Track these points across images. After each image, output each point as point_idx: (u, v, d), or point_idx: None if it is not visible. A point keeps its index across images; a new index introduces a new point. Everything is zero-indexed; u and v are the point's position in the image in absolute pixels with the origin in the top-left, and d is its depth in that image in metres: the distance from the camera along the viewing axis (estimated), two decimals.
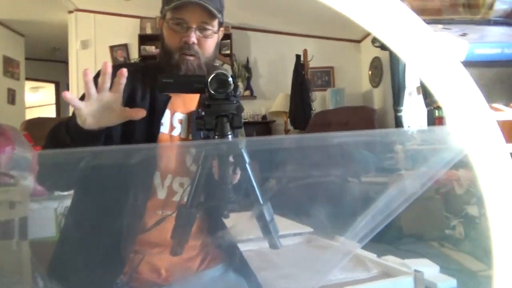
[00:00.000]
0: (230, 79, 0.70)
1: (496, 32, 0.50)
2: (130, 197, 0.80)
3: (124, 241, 0.79)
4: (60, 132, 0.75)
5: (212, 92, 0.70)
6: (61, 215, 1.43)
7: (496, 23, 0.54)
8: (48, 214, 1.47)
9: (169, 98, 0.87)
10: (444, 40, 0.46)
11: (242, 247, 1.66)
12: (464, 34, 0.48)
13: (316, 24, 4.61)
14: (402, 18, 0.40)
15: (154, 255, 0.81)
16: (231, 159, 0.70)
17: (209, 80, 0.70)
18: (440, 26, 0.52)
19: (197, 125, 0.70)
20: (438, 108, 3.16)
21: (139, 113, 0.75)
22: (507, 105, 0.49)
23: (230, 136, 0.69)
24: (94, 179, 0.75)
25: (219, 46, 0.95)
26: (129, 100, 0.83)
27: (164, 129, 0.87)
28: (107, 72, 0.71)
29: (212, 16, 0.84)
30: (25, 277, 1.48)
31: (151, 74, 0.87)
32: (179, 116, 0.89)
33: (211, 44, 0.88)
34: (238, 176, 0.73)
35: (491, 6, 0.52)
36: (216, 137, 0.69)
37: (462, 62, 0.42)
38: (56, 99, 6.88)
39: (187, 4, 0.83)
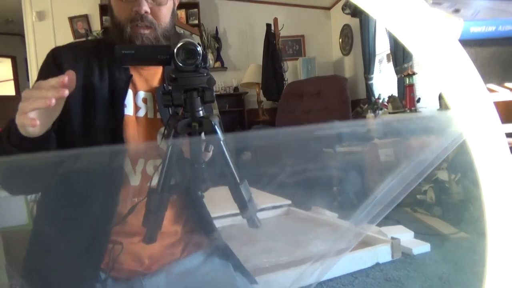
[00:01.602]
0: (199, 48, 0.65)
1: (489, 6, 0.48)
2: (101, 188, 0.75)
3: (100, 233, 0.75)
4: (3, 146, 0.66)
5: (180, 64, 0.63)
6: (32, 202, 1.37)
7: None
8: (18, 202, 1.40)
9: (130, 76, 0.79)
10: (439, 18, 0.43)
11: (223, 222, 1.66)
12: (457, 10, 0.46)
13: None
14: None
15: (135, 244, 0.78)
16: (203, 136, 0.65)
17: (175, 50, 0.64)
18: (430, 0, 0.50)
19: (164, 101, 0.64)
20: (409, 75, 3.20)
21: (70, 76, 0.65)
22: (500, 85, 0.48)
23: (201, 112, 0.64)
24: (61, 177, 0.70)
25: (176, 15, 0.86)
26: (86, 83, 0.75)
27: (128, 110, 0.79)
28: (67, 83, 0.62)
29: None
30: None
31: (107, 52, 0.79)
32: (142, 95, 0.82)
33: (166, 12, 0.80)
34: (210, 154, 0.70)
35: None
36: (186, 113, 0.64)
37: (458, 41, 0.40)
38: (13, 75, 6.47)
39: None
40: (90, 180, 0.74)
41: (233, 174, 0.65)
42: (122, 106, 0.78)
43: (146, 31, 0.77)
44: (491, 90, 0.48)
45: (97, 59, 0.78)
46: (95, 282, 0.74)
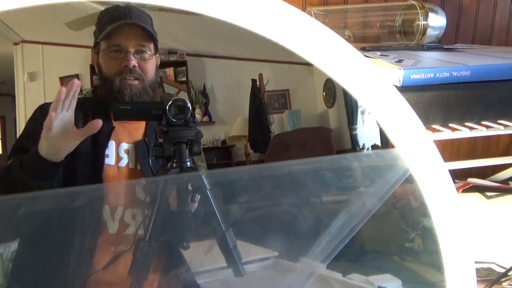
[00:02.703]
0: (189, 105, 0.71)
1: (430, 57, 0.53)
2: (78, 237, 0.76)
3: (77, 284, 0.74)
4: (14, 175, 0.70)
5: (171, 118, 0.69)
6: (7, 261, 1.33)
7: (429, 48, 0.57)
8: None
9: (112, 128, 0.86)
10: (380, 68, 0.48)
11: (205, 278, 1.62)
12: (400, 61, 0.51)
13: (269, 48, 4.72)
14: (340, 49, 0.42)
15: None
16: (190, 187, 0.69)
17: (167, 106, 0.70)
18: (379, 53, 0.55)
19: (155, 153, 0.69)
20: None
21: (96, 124, 0.74)
22: (443, 125, 0.51)
23: (188, 163, 0.68)
24: (36, 223, 0.70)
25: (159, 71, 0.95)
26: None
27: (110, 160, 0.85)
28: (72, 89, 0.70)
29: (148, 38, 0.85)
30: None
31: (92, 107, 0.85)
32: (125, 146, 0.88)
33: (151, 67, 0.89)
34: (196, 204, 0.72)
35: (424, 33, 0.55)
36: (175, 164, 0.68)
37: (400, 87, 0.44)
38: (1, 134, 6.51)
39: (121, 27, 0.82)
40: (67, 227, 0.75)
41: (218, 222, 0.68)
42: (103, 155, 0.82)
43: (135, 82, 0.84)
44: (434, 130, 0.52)
45: (83, 114, 0.84)
46: None
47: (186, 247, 0.76)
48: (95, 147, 0.82)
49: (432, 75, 0.45)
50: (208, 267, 1.65)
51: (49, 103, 0.85)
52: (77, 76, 5.23)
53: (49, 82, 5.19)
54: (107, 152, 0.85)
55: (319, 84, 5.24)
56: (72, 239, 0.76)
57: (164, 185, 0.70)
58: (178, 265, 0.87)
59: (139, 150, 0.89)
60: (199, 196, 0.73)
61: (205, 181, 0.70)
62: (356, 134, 4.32)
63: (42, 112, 0.84)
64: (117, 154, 0.88)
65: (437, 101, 0.45)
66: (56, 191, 0.70)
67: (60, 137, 0.69)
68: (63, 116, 0.69)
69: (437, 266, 1.99)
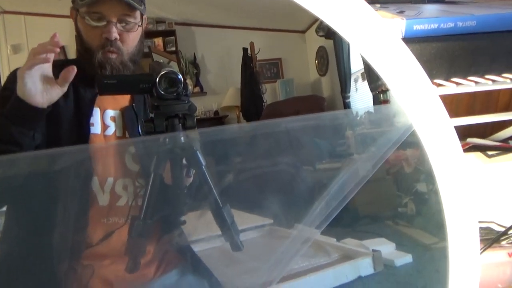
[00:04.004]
0: (180, 77, 0.66)
1: (432, 9, 0.51)
2: (67, 210, 0.73)
3: (69, 257, 0.73)
4: None
5: (162, 92, 0.65)
6: None
7: (430, 0, 0.55)
8: None
9: (95, 94, 0.80)
10: (381, 18, 0.45)
11: (201, 246, 1.63)
12: (401, 12, 0.48)
13: (261, 16, 4.61)
14: None
15: (105, 267, 0.76)
16: (184, 161, 0.66)
17: (157, 79, 0.65)
18: (378, 5, 0.52)
19: (146, 129, 0.65)
20: (383, 92, 3.28)
21: (69, 71, 0.72)
22: (447, 79, 0.50)
23: (182, 138, 0.65)
24: (22, 194, 0.68)
25: (143, 41, 0.89)
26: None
27: (96, 129, 0.80)
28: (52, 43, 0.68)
29: (133, 8, 0.78)
30: None
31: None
32: (110, 113, 0.82)
33: (134, 38, 0.82)
34: (191, 179, 0.70)
35: None
36: (167, 140, 0.65)
37: (402, 39, 0.41)
38: None
39: None
40: (56, 200, 0.72)
41: (215, 199, 0.66)
42: (87, 124, 0.78)
43: (113, 56, 0.79)
44: (438, 85, 0.50)
45: None
46: None
47: (182, 222, 0.75)
48: (79, 115, 0.76)
49: (436, 26, 0.42)
50: (204, 235, 1.65)
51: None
52: (62, 48, 5.00)
53: None
54: (91, 120, 0.79)
55: (311, 52, 5.16)
56: (61, 213, 0.73)
57: (157, 160, 0.67)
58: (173, 233, 0.86)
59: (126, 116, 0.82)
60: (194, 171, 0.70)
61: (200, 157, 0.66)
62: (349, 102, 4.31)
63: (15, 77, 0.77)
64: (103, 122, 0.82)
65: (441, 54, 0.43)
66: (38, 152, 0.66)
67: (37, 81, 0.65)
68: (41, 64, 0.66)
69: (430, 229, 2.03)
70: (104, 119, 0.81)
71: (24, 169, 0.60)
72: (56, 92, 0.70)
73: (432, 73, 0.45)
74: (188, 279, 0.84)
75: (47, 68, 0.69)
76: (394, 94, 0.45)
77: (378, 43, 0.41)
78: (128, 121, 0.82)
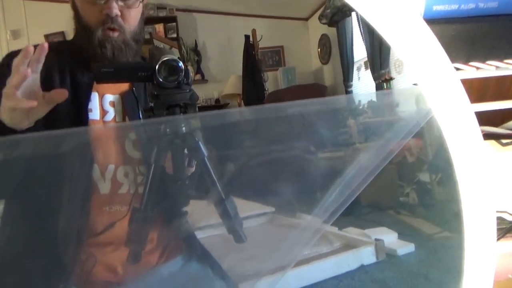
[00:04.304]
0: (181, 64, 0.63)
1: None
2: (67, 199, 0.71)
3: (71, 246, 0.71)
4: None
5: (161, 80, 0.62)
6: None
7: None
8: None
9: (93, 78, 0.76)
10: None
11: (204, 233, 1.62)
12: None
13: (263, 3, 4.55)
14: None
15: (108, 254, 0.74)
16: (186, 151, 0.64)
17: (156, 67, 0.62)
18: None
19: (145, 118, 0.63)
20: (387, 81, 3.25)
21: (60, 95, 0.64)
22: (465, 63, 0.48)
23: (183, 128, 0.63)
24: (23, 184, 0.66)
25: (144, 19, 0.84)
26: (46, 88, 0.69)
27: (94, 115, 0.76)
28: (30, 52, 0.61)
29: None
30: None
31: (68, 54, 0.76)
32: (109, 98, 0.78)
33: (135, 15, 0.78)
34: (193, 169, 0.68)
35: None
36: (168, 130, 0.63)
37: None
38: None
39: None
40: (56, 189, 0.71)
41: (218, 191, 0.64)
42: (85, 110, 0.74)
43: (115, 34, 0.75)
44: (457, 69, 0.48)
45: (58, 62, 0.75)
46: None
47: (184, 213, 0.73)
48: (76, 101, 0.72)
49: (456, 7, 0.40)
50: (206, 222, 1.65)
51: (18, 51, 0.73)
52: (62, 33, 4.97)
53: (34, 39, 4.95)
54: (89, 106, 0.76)
55: (314, 40, 5.11)
56: (62, 202, 0.70)
57: (158, 151, 0.64)
58: (177, 221, 0.84)
59: (126, 101, 0.79)
60: (195, 162, 0.68)
61: (202, 148, 0.64)
62: (351, 90, 4.27)
63: (9, 60, 0.71)
64: (102, 107, 0.78)
65: (461, 36, 0.41)
66: (38, 134, 0.63)
67: (22, 104, 0.59)
68: (26, 81, 0.59)
69: (432, 219, 2.02)
70: (103, 104, 0.78)
71: (19, 152, 0.58)
72: (43, 110, 0.64)
73: (452, 56, 0.43)
74: (192, 266, 0.83)
75: (35, 83, 0.63)
76: (414, 77, 0.42)
77: (399, 21, 0.39)
78: (128, 106, 0.79)
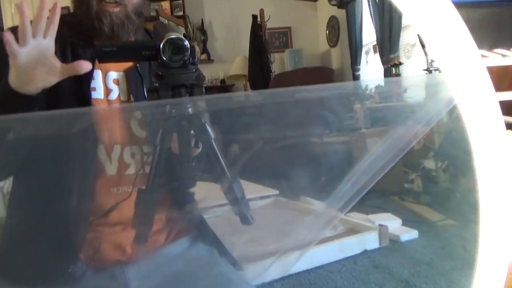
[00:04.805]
0: (187, 43, 0.60)
1: None
2: (74, 179, 0.70)
3: (78, 226, 0.71)
4: None
5: (166, 60, 0.59)
6: (8, 194, 1.31)
7: None
8: None
9: (95, 55, 0.74)
10: None
11: (208, 214, 1.63)
12: None
13: None
14: None
15: (116, 233, 0.74)
16: (192, 132, 0.62)
17: (161, 45, 0.60)
18: None
19: (150, 99, 0.61)
20: (396, 65, 3.20)
21: (84, 66, 0.60)
22: (490, 50, 0.46)
23: (190, 110, 0.61)
24: (29, 163, 0.65)
25: None
26: None
27: (98, 94, 0.73)
28: (45, 8, 0.58)
29: None
30: None
31: (69, 27, 0.73)
32: (113, 75, 0.75)
33: None
34: (200, 149, 0.66)
35: None
36: (174, 112, 0.61)
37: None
38: None
39: None
40: (63, 168, 0.69)
41: (225, 173, 0.63)
42: (88, 89, 0.72)
43: (116, 9, 0.72)
44: (482, 56, 0.46)
45: (59, 36, 0.71)
46: (74, 273, 0.70)
47: (190, 193, 0.73)
48: (79, 79, 0.69)
49: None
50: (211, 203, 1.65)
51: (16, 27, 0.70)
52: (67, 8, 4.92)
53: None
54: (93, 84, 0.73)
55: (322, 21, 5.02)
56: (68, 183, 0.69)
57: (163, 133, 0.62)
58: (184, 201, 0.83)
59: (131, 79, 0.77)
60: (201, 143, 0.66)
61: (209, 130, 0.62)
62: (359, 74, 4.22)
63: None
64: (105, 85, 0.75)
65: (488, 21, 0.39)
66: (45, 113, 0.60)
67: (34, 67, 0.55)
68: (39, 42, 0.55)
69: (436, 206, 2.01)
70: (107, 82, 0.75)
71: (26, 130, 0.56)
72: (55, 79, 0.60)
73: (477, 42, 0.41)
74: (199, 246, 0.83)
75: (47, 50, 0.60)
76: (438, 62, 0.41)
77: (427, 4, 0.37)
78: (132, 83, 0.77)
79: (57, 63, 0.61)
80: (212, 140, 0.63)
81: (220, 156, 0.63)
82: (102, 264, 0.74)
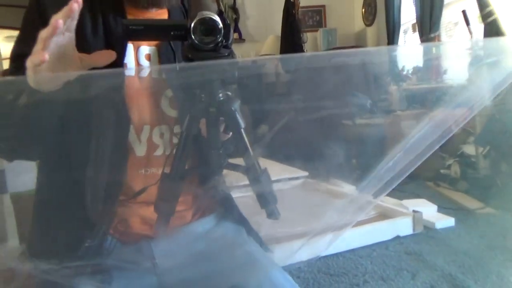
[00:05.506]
0: (220, 24, 0.55)
1: None
2: (104, 161, 0.68)
3: (108, 204, 0.70)
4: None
5: (197, 42, 0.55)
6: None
7: None
8: (28, 167, 1.38)
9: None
10: None
11: (235, 192, 1.61)
12: None
13: None
14: None
15: (144, 209, 0.73)
16: (221, 119, 0.59)
17: (192, 26, 0.55)
18: None
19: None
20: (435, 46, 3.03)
21: (107, 56, 0.57)
22: None
23: (221, 95, 0.57)
24: (60, 140, 0.63)
25: None
26: (78, 37, 0.59)
27: (129, 71, 0.71)
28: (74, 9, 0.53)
29: None
30: (10, 231, 1.42)
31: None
32: (145, 50, 0.71)
33: None
34: (229, 135, 0.63)
35: None
36: (203, 96, 0.57)
37: None
38: None
39: None
40: (89, 151, 0.68)
41: (253, 165, 0.59)
42: (121, 66, 0.69)
43: None
44: None
45: (88, 6, 0.68)
46: (103, 245, 0.70)
47: (220, 182, 0.70)
48: None
49: None
50: (238, 183, 1.63)
51: None
52: None
53: None
54: (124, 60, 0.70)
55: None
56: (99, 163, 0.67)
57: (190, 119, 0.58)
58: (212, 181, 0.81)
59: (163, 54, 0.73)
60: (231, 133, 0.62)
61: (239, 119, 0.57)
62: (395, 55, 4.04)
63: (38, 5, 0.67)
64: (137, 61, 0.72)
65: None
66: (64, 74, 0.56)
67: (56, 66, 0.54)
68: (58, 40, 0.50)
69: (475, 194, 1.91)
70: (139, 57, 0.72)
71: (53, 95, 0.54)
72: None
73: None
74: (226, 225, 0.81)
75: (68, 45, 0.56)
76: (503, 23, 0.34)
77: None
78: (164, 59, 0.73)
79: (77, 54, 0.57)
80: (242, 130, 0.59)
81: (249, 147, 0.59)
82: (129, 238, 0.73)
